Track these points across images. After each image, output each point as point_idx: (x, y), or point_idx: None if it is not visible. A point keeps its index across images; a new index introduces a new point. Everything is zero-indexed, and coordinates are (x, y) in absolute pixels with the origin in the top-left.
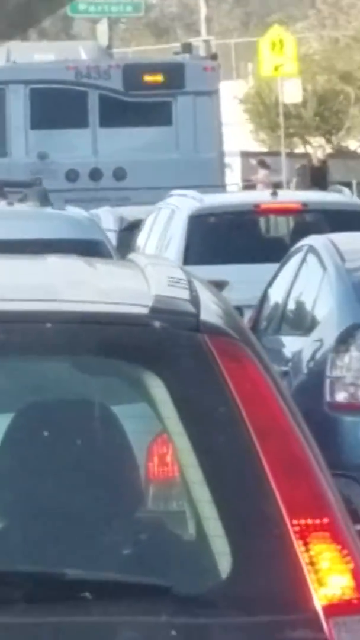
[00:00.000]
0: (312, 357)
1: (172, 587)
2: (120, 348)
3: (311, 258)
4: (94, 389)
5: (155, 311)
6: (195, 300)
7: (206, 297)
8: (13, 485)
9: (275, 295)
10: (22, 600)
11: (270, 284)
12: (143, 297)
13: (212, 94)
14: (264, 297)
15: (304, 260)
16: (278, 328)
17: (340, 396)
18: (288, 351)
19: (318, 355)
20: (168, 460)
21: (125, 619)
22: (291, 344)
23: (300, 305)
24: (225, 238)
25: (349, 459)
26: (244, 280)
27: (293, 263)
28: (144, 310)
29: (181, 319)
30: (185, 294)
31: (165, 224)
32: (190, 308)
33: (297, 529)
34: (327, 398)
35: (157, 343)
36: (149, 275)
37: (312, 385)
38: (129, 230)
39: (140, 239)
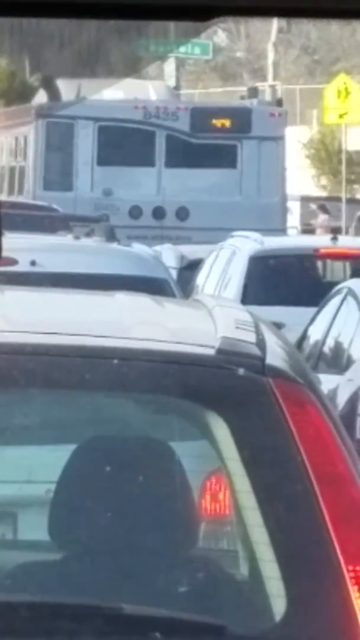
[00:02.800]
0: (346, 395)
1: (227, 627)
2: (185, 387)
3: (350, 300)
4: (156, 426)
5: (221, 353)
6: (261, 344)
7: (272, 340)
8: (71, 517)
9: (315, 335)
10: (81, 633)
11: (310, 323)
12: (210, 338)
13: (277, 139)
14: (304, 336)
15: (343, 302)
16: (315, 366)
17: None
18: (324, 389)
19: (351, 394)
20: (220, 498)
21: None
22: (327, 381)
23: (337, 345)
24: (284, 280)
25: None
26: (300, 322)
27: (333, 304)
28: (211, 352)
29: (247, 361)
30: (251, 337)
31: (225, 264)
32: (256, 351)
33: (352, 574)
34: (358, 435)
35: (222, 384)
36: (217, 317)
37: (344, 423)
38: (190, 269)
39: (200, 277)
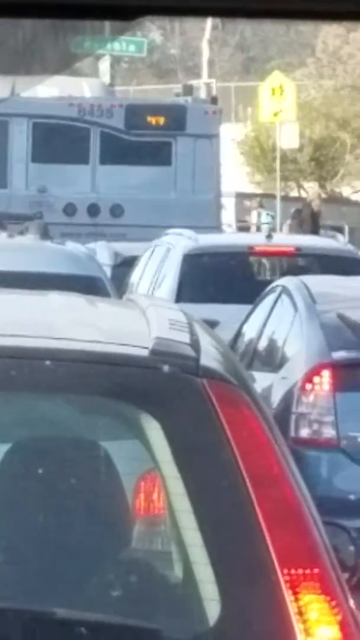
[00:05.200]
0: (280, 394)
1: (161, 631)
2: (119, 388)
3: (284, 298)
4: (88, 427)
5: (155, 353)
6: (195, 344)
7: (206, 341)
8: (2, 519)
9: (249, 332)
10: (11, 638)
11: (245, 321)
12: (144, 339)
13: (212, 137)
14: (238, 334)
15: (277, 300)
16: (250, 364)
17: (304, 432)
18: (258, 387)
19: (285, 392)
20: (154, 498)
21: None
22: (261, 379)
23: (271, 343)
24: (218, 278)
25: (310, 493)
26: (235, 320)
27: (267, 302)
28: (144, 352)
29: (181, 362)
30: (185, 337)
31: (159, 262)
32: (190, 352)
33: (287, 578)
34: (292, 434)
35: (155, 385)
36: (150, 317)
37: (278, 421)
38: (124, 266)
39: (135, 275)
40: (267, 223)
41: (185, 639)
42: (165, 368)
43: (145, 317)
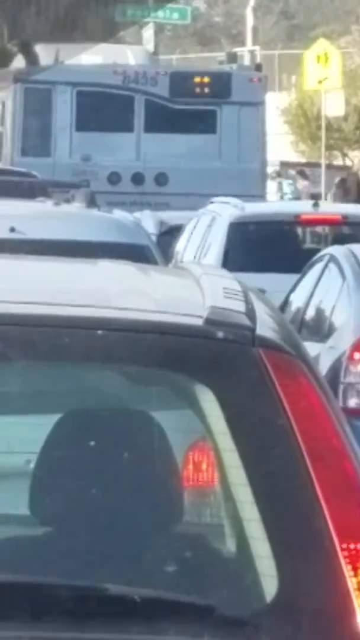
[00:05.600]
0: (328, 363)
1: (215, 608)
2: (173, 359)
3: (332, 267)
4: (140, 398)
5: (210, 323)
6: (251, 313)
7: (262, 310)
8: (53, 492)
9: (297, 302)
10: (60, 615)
11: (292, 291)
12: (198, 308)
13: (257, 104)
14: (285, 303)
15: (325, 269)
16: (297, 333)
17: (352, 402)
18: None
19: (333, 362)
20: (204, 469)
21: (164, 638)
22: (309, 349)
23: (319, 313)
24: (264, 247)
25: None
26: (281, 289)
27: (314, 271)
28: (199, 322)
29: (236, 331)
30: (241, 306)
31: (205, 230)
32: (246, 321)
33: (346, 553)
34: (340, 404)
35: (210, 355)
36: (204, 285)
37: None
38: (169, 235)
39: (180, 244)
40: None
41: (242, 615)
42: (220, 338)
43: (199, 285)
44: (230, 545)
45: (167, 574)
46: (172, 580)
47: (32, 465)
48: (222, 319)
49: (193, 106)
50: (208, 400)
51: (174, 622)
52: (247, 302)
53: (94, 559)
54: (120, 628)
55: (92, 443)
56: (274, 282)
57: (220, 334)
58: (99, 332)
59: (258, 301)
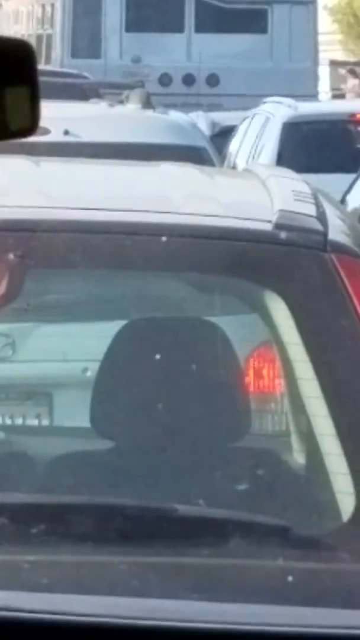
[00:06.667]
0: None
1: (290, 528)
2: (240, 265)
3: None
4: (206, 305)
5: (279, 227)
6: (322, 217)
7: (334, 213)
8: (115, 403)
9: (353, 202)
10: (125, 537)
11: (348, 191)
12: (266, 212)
13: (308, 3)
14: (342, 203)
15: None
16: None
17: None
18: None
19: None
20: (264, 374)
21: (236, 561)
22: None
23: None
24: (318, 147)
25: None
26: (337, 190)
27: None
28: (267, 226)
29: (307, 236)
30: (311, 210)
31: (258, 131)
32: (317, 225)
33: None
34: None
35: (280, 261)
36: (272, 188)
37: None
38: (221, 136)
39: (233, 145)
40: None
41: (317, 535)
42: (291, 243)
43: (267, 188)
44: (302, 460)
45: (239, 492)
46: (243, 498)
47: (89, 374)
48: (292, 223)
49: (244, 6)
50: (278, 308)
51: (246, 544)
52: (318, 205)
53: (161, 477)
54: (189, 551)
55: (156, 352)
56: (329, 183)
57: (290, 239)
58: (163, 238)
59: (328, 204)
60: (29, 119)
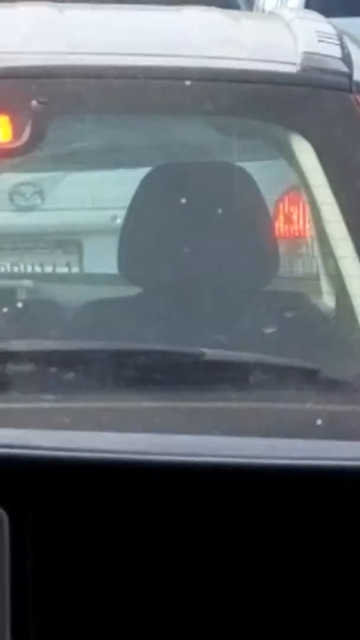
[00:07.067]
0: None
1: (319, 371)
2: (265, 108)
3: None
4: (231, 150)
5: (304, 69)
6: (347, 59)
7: (358, 55)
8: (143, 249)
9: None
10: (155, 382)
11: None
12: (291, 55)
13: None
14: None
15: None
16: None
17: None
18: None
19: None
20: (294, 219)
21: (264, 404)
22: None
23: None
24: None
25: None
26: None
27: None
28: (292, 69)
29: (332, 78)
30: (337, 52)
31: None
32: (342, 67)
33: None
34: None
35: (305, 103)
36: (296, 30)
37: None
38: None
39: None
40: None
41: (346, 378)
42: (316, 84)
43: (291, 31)
44: (330, 303)
45: (267, 335)
46: (272, 342)
47: (118, 221)
48: (317, 64)
49: None
50: (304, 150)
51: (275, 387)
52: (343, 46)
53: (188, 322)
54: (217, 395)
55: (183, 197)
56: (358, 26)
57: (315, 80)
58: (187, 82)
59: (354, 46)
60: None
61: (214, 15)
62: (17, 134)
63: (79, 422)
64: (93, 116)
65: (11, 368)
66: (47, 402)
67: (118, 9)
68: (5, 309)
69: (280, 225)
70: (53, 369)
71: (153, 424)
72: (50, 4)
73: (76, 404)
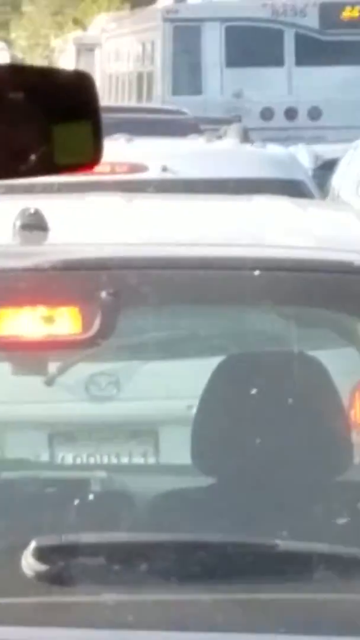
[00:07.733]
0: None
1: None
2: (335, 297)
3: None
4: (302, 339)
5: None
6: None
7: None
8: (215, 440)
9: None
10: (226, 574)
11: None
12: (357, 243)
13: None
14: None
15: None
16: None
17: None
18: None
19: None
20: None
21: (340, 596)
22: None
23: None
24: None
25: None
26: None
27: None
28: (357, 257)
29: None
30: None
31: None
32: None
33: None
34: None
35: None
36: None
37: None
38: (325, 169)
39: (336, 177)
40: None
41: None
42: None
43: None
44: None
45: (339, 527)
46: (346, 533)
47: (194, 410)
48: None
49: (344, 37)
50: None
51: (350, 580)
52: None
53: (261, 513)
54: (293, 587)
55: (255, 387)
56: None
57: None
58: (256, 272)
59: None
60: (90, 153)
61: (285, 204)
62: (86, 325)
63: (153, 616)
64: (164, 307)
65: (80, 561)
66: (121, 595)
67: (188, 199)
68: (77, 501)
69: (357, 413)
70: (124, 562)
71: (232, 619)
72: (120, 194)
73: (150, 597)
